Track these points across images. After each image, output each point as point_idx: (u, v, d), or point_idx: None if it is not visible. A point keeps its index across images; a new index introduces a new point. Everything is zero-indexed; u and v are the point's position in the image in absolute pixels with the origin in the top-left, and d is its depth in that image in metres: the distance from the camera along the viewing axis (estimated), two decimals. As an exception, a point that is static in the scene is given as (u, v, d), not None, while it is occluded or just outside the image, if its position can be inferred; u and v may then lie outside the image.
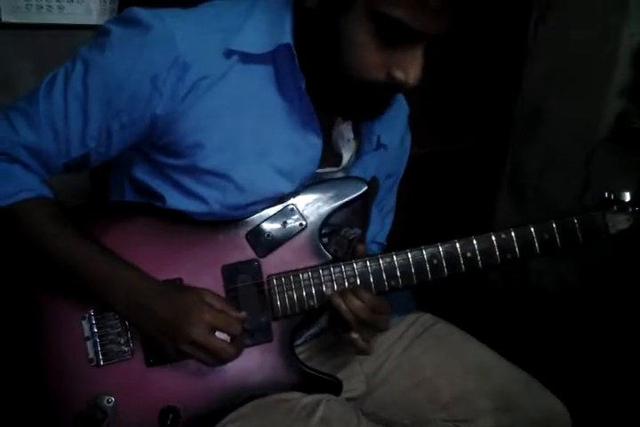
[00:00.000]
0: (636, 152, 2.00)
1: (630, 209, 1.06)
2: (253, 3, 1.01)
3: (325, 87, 0.99)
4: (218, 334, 0.97)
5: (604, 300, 2.13)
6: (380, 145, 1.19)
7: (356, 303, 1.01)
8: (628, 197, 1.06)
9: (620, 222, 1.06)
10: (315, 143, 1.05)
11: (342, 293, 1.03)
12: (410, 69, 0.91)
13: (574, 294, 2.27)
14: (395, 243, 1.29)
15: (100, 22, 1.35)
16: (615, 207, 1.06)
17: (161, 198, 1.05)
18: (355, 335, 1.03)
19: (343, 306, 1.01)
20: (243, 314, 1.00)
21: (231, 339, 0.98)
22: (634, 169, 1.92)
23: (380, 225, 1.31)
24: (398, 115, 1.25)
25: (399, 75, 0.91)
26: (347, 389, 1.13)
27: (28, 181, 1.00)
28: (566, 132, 2.26)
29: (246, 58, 0.98)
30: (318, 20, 0.94)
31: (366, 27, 0.88)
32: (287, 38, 0.96)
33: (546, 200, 2.37)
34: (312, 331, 1.23)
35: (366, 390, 1.20)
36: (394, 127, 1.22)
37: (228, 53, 0.97)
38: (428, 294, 1.44)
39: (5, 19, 1.41)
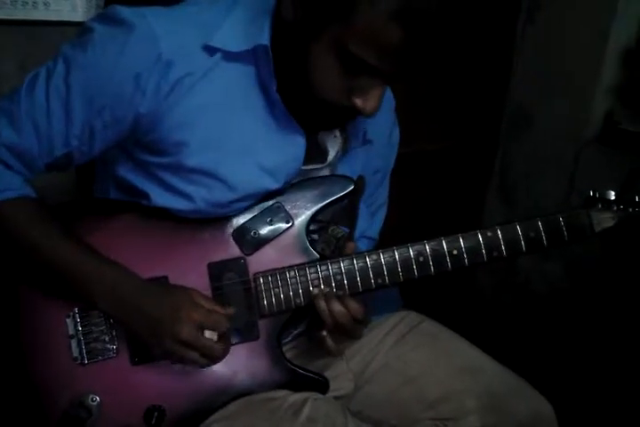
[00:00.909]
0: (623, 152, 2.02)
1: (615, 207, 1.06)
2: (234, 1, 1.01)
3: (294, 95, 1.00)
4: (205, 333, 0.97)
5: (591, 299, 2.14)
6: (366, 140, 1.19)
7: (339, 308, 1.01)
8: (612, 195, 1.07)
9: (604, 220, 1.06)
10: (298, 141, 1.05)
11: (327, 295, 1.03)
12: (369, 101, 0.94)
13: (562, 293, 2.28)
14: (383, 242, 1.29)
15: (86, 19, 1.34)
16: (600, 205, 1.07)
17: (145, 196, 1.04)
18: (324, 333, 1.04)
19: (324, 307, 1.02)
20: (230, 310, 1.01)
21: (218, 338, 0.98)
22: (621, 169, 1.93)
23: (368, 221, 1.31)
24: (384, 108, 1.23)
25: (358, 103, 0.94)
26: (334, 387, 1.12)
27: (11, 180, 0.99)
28: (554, 132, 2.27)
29: (228, 56, 0.98)
30: (294, 35, 0.94)
31: (333, 56, 0.90)
32: (265, 40, 0.96)
33: (534, 200, 2.38)
34: (299, 330, 1.23)
35: (353, 389, 1.20)
36: (380, 121, 1.21)
37: (209, 51, 0.97)
38: (415, 294, 1.44)
39: (-10, 15, 1.41)
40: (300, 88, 0.96)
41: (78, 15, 1.49)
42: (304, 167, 1.10)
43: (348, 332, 1.04)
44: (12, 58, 1.44)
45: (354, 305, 1.02)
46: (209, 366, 1.00)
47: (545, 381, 1.26)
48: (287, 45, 0.96)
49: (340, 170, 1.16)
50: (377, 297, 1.10)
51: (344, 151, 1.16)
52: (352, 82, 0.93)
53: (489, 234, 1.05)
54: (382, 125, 1.25)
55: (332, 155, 1.14)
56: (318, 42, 0.90)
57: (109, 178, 1.09)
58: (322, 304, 1.02)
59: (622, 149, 2.04)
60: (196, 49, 0.96)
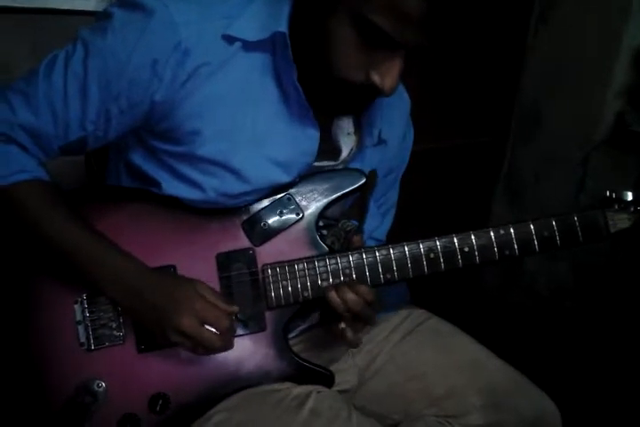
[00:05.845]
0: (633, 154, 2.01)
1: (632, 208, 1.06)
2: None
3: (312, 80, 0.99)
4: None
5: (597, 300, 2.14)
6: (381, 140, 1.18)
7: (351, 296, 1.01)
8: (630, 196, 1.06)
9: (620, 221, 1.05)
10: (312, 135, 1.05)
11: (337, 286, 1.03)
12: (387, 77, 0.93)
13: (568, 294, 2.28)
14: (389, 240, 1.28)
15: (99, 8, 1.34)
16: (616, 206, 1.06)
17: (157, 184, 1.04)
18: (343, 325, 1.03)
19: (337, 298, 1.01)
20: (235, 308, 1.00)
21: (220, 333, 0.98)
22: (630, 171, 1.93)
23: (377, 220, 1.30)
24: (399, 108, 1.24)
25: (376, 79, 0.93)
26: (338, 381, 1.12)
27: (25, 162, 0.99)
28: (564, 133, 2.26)
29: (247, 46, 0.98)
30: (310, 13, 0.94)
31: (351, 28, 0.89)
32: (282, 27, 0.96)
33: (542, 201, 2.38)
34: (306, 324, 1.23)
35: (358, 384, 1.20)
36: (395, 122, 1.22)
37: (229, 40, 0.96)
38: (422, 292, 1.44)
39: (4, 3, 1.40)
40: (320, 70, 0.95)
41: (91, 4, 1.49)
42: (316, 164, 1.10)
43: (364, 317, 1.03)
44: (25, 46, 1.44)
45: (363, 289, 1.02)
46: (209, 354, 1.00)
47: (550, 381, 1.26)
48: (305, 28, 0.95)
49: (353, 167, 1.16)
50: (386, 292, 1.09)
51: (358, 149, 1.16)
52: (370, 56, 0.91)
53: (501, 232, 1.05)
54: (397, 126, 1.24)
55: (345, 153, 1.14)
56: (336, 15, 0.89)
57: (122, 165, 1.09)
58: (334, 297, 1.01)
59: (632, 151, 2.03)
60: (215, 38, 0.96)
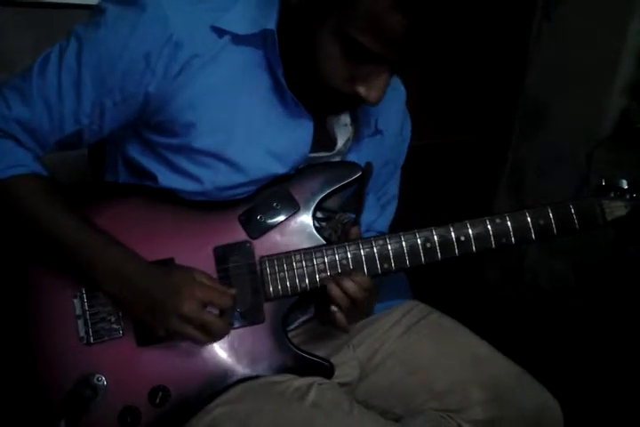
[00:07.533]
0: (638, 151, 2.00)
1: (628, 196, 1.05)
2: None
3: (300, 82, 1.00)
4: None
5: (597, 297, 2.13)
6: (377, 130, 1.19)
7: (350, 285, 1.01)
8: (625, 184, 1.06)
9: (617, 209, 1.05)
10: (306, 125, 1.06)
11: (336, 277, 1.03)
12: (372, 90, 0.94)
13: (569, 291, 2.27)
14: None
15: (100, 3, 1.36)
16: (612, 194, 1.06)
17: (153, 177, 1.05)
18: (334, 308, 1.02)
19: (337, 290, 1.01)
20: (233, 290, 1.01)
21: (221, 315, 0.98)
22: (635, 168, 1.92)
23: (376, 212, 1.30)
24: (395, 100, 1.25)
25: (362, 91, 0.94)
26: (340, 374, 1.12)
27: (22, 156, 1.00)
28: (568, 129, 2.26)
29: (237, 39, 0.98)
30: (299, 22, 0.95)
31: (336, 43, 0.90)
32: (272, 25, 0.97)
33: (545, 197, 2.36)
34: (306, 316, 1.23)
35: (359, 377, 1.19)
36: (392, 113, 1.22)
37: (218, 32, 0.97)
38: (424, 288, 1.44)
39: (7, -4, 1.41)
40: (306, 73, 0.97)
41: (93, -1, 1.50)
42: (312, 155, 1.10)
43: (362, 305, 1.03)
44: (26, 40, 1.45)
45: (360, 277, 1.02)
46: (210, 343, 1.01)
47: (551, 377, 1.25)
48: (293, 31, 0.96)
49: (349, 159, 1.16)
50: (386, 286, 1.09)
51: (355, 140, 1.16)
52: (356, 70, 0.93)
53: (497, 221, 1.05)
54: (393, 116, 1.24)
55: (340, 143, 1.14)
56: (323, 28, 0.90)
57: (119, 158, 1.10)
58: (334, 288, 1.01)
59: (637, 147, 2.02)
60: (206, 30, 0.97)
